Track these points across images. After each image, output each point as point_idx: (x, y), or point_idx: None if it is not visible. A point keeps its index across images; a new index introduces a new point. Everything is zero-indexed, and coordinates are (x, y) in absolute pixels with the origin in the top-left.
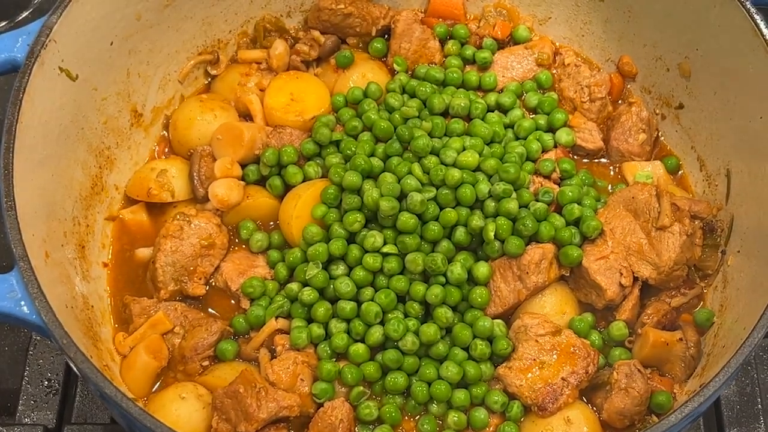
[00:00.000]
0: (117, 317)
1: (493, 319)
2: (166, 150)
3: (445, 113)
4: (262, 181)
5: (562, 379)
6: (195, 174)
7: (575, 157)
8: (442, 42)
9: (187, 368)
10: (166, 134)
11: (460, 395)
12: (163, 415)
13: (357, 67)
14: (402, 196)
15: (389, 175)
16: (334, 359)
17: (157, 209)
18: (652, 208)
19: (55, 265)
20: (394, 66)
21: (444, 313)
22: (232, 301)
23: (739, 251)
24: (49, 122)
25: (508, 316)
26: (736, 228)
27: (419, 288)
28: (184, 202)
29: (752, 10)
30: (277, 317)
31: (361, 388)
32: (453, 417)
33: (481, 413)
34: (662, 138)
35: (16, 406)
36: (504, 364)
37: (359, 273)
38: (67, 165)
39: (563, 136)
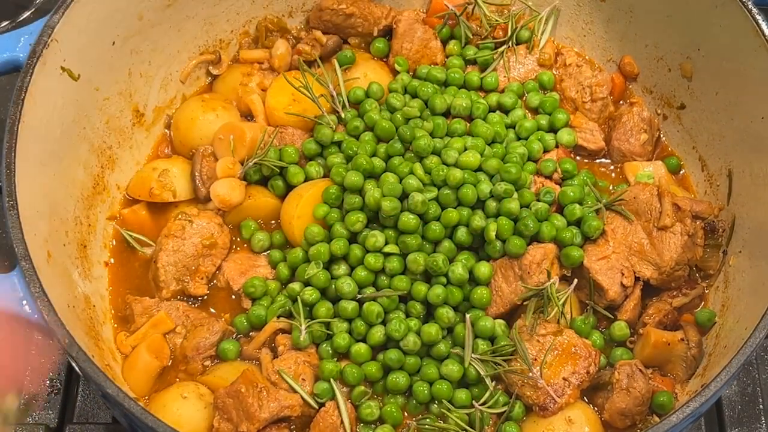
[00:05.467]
0: (118, 317)
1: (494, 318)
2: (168, 150)
3: (447, 113)
4: (263, 181)
5: (564, 379)
6: (197, 174)
7: (577, 157)
8: (444, 42)
9: (188, 368)
10: (167, 134)
11: (461, 395)
12: (165, 415)
13: (359, 67)
14: (403, 196)
15: (391, 175)
16: (336, 359)
17: (158, 209)
18: (654, 208)
19: (57, 265)
20: (396, 66)
21: (445, 313)
22: (233, 298)
23: (740, 251)
24: (51, 122)
25: (509, 316)
26: (738, 228)
27: (421, 288)
28: (185, 202)
29: (754, 10)
30: (278, 317)
31: (363, 387)
32: (454, 416)
33: (482, 413)
34: (664, 138)
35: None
36: None
37: (361, 273)
38: (69, 164)
39: (565, 136)
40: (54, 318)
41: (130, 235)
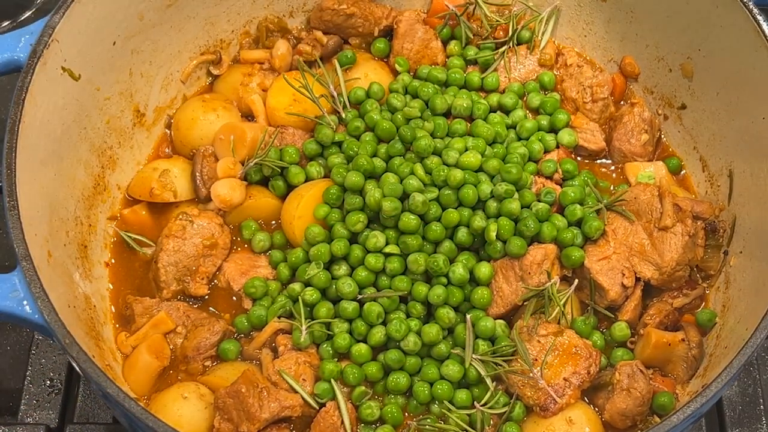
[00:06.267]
0: (119, 317)
1: (495, 319)
2: (169, 150)
3: (448, 114)
4: (264, 181)
5: (564, 379)
6: (197, 174)
7: (577, 157)
8: (445, 42)
9: (189, 368)
10: (168, 134)
11: (462, 395)
12: (165, 415)
13: (359, 67)
14: (404, 197)
15: (391, 176)
16: (336, 359)
17: (159, 209)
18: (655, 208)
19: (58, 265)
20: (396, 66)
21: (446, 314)
22: (234, 299)
23: (741, 252)
24: (52, 122)
25: (510, 317)
26: (739, 229)
27: (421, 288)
28: (186, 202)
29: (755, 10)
30: (279, 317)
31: (363, 388)
32: (454, 417)
33: (482, 413)
34: (664, 138)
35: (18, 406)
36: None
37: (361, 273)
38: (69, 164)
39: (565, 136)
40: (54, 318)
41: (130, 237)
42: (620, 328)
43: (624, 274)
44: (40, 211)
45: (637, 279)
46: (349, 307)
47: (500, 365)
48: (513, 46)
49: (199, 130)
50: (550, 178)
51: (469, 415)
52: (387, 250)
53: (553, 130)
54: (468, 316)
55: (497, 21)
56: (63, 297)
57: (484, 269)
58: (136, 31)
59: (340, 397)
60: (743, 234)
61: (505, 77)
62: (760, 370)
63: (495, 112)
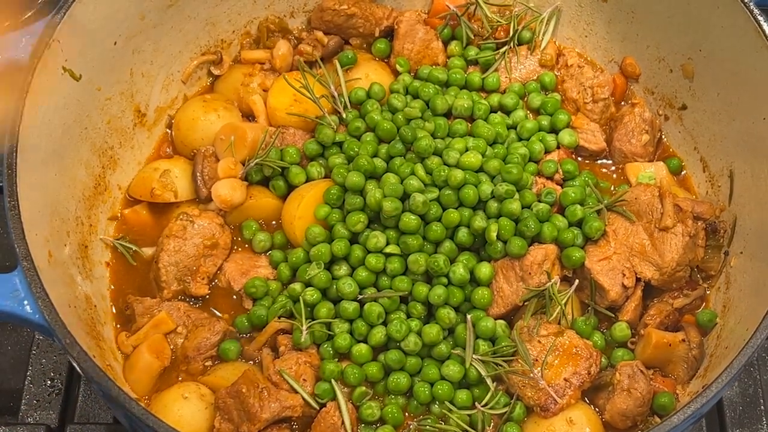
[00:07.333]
0: (120, 317)
1: (495, 319)
2: (169, 150)
3: (448, 114)
4: (265, 182)
5: (565, 379)
6: (198, 174)
7: (578, 158)
8: (445, 43)
9: (189, 368)
10: (169, 134)
11: (462, 395)
12: (166, 415)
13: (360, 67)
14: (405, 197)
15: (392, 176)
16: (337, 359)
17: (159, 209)
18: (655, 209)
19: (58, 265)
20: (397, 67)
21: (446, 314)
22: (234, 298)
23: (742, 252)
24: (53, 122)
25: (510, 317)
26: (739, 229)
27: (422, 288)
28: (186, 202)
29: (755, 11)
30: (279, 317)
31: (364, 388)
32: (455, 417)
33: (483, 414)
34: (665, 139)
35: (18, 406)
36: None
37: (362, 273)
38: (70, 165)
39: (566, 137)
40: (55, 318)
41: (124, 246)
42: (621, 329)
43: (624, 275)
44: (40, 211)
45: (638, 279)
46: (350, 307)
47: (501, 365)
48: (514, 46)
49: (199, 131)
50: (550, 178)
51: (469, 415)
52: (387, 250)
53: (554, 130)
54: (468, 317)
55: (498, 21)
56: (63, 297)
57: (484, 269)
58: (137, 32)
59: (340, 397)
60: (744, 234)
61: (506, 78)
62: (760, 371)
63: (496, 112)
